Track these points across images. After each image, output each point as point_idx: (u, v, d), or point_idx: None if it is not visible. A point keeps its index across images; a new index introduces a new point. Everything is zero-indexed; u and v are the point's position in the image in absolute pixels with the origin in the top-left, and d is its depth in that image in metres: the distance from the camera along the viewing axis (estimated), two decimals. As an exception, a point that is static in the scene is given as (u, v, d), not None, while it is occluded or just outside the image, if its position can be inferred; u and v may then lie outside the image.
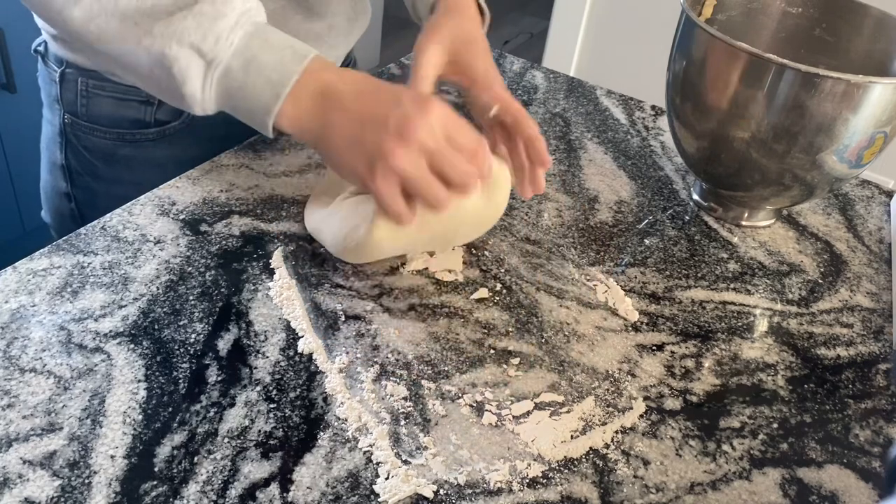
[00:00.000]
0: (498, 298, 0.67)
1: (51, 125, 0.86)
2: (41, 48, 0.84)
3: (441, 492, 0.51)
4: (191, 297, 0.63)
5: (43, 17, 0.62)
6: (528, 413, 0.57)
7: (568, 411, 0.58)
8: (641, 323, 0.67)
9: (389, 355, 0.60)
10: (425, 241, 0.68)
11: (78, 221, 0.87)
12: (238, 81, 0.59)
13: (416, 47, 0.69)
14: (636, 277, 0.72)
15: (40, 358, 0.56)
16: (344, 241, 0.66)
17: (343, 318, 0.63)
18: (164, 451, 0.51)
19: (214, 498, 0.49)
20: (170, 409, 0.54)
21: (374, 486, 0.51)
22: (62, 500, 0.48)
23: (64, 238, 0.67)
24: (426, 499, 0.51)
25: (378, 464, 0.52)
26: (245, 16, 0.59)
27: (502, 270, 0.70)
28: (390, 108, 0.57)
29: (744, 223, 0.81)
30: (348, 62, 0.97)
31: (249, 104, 0.59)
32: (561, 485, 0.53)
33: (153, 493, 0.49)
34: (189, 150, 0.80)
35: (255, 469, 0.51)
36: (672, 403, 0.60)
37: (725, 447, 0.57)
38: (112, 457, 0.51)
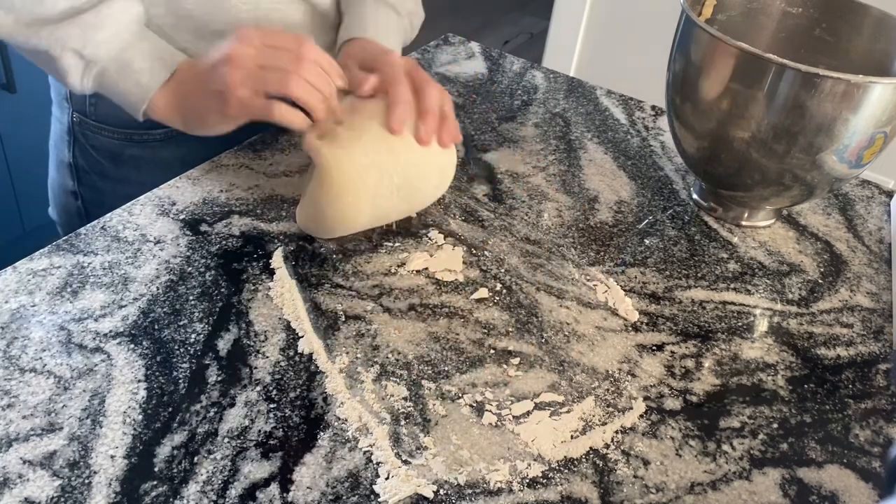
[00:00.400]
0: (498, 298, 0.67)
1: (59, 123, 0.86)
2: None
3: (441, 492, 0.51)
4: (191, 297, 0.63)
5: None
6: (528, 413, 0.57)
7: (568, 411, 0.58)
8: (641, 323, 0.67)
9: (389, 355, 0.60)
10: (381, 153, 0.67)
11: (84, 219, 0.87)
12: (113, 81, 0.68)
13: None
14: (636, 277, 0.72)
15: (40, 358, 0.56)
16: (312, 202, 0.67)
17: (343, 318, 0.63)
18: (164, 451, 0.51)
19: (214, 498, 0.49)
20: (170, 409, 0.54)
21: (374, 486, 0.51)
22: (62, 500, 0.48)
23: (64, 238, 0.67)
24: (426, 499, 0.51)
25: (378, 464, 0.52)
26: (124, 24, 0.68)
27: (502, 270, 0.70)
28: (220, 48, 0.67)
29: (744, 223, 0.81)
30: None
31: (122, 99, 0.70)
32: (561, 485, 0.53)
33: (153, 493, 0.49)
34: (196, 150, 0.80)
35: (255, 469, 0.51)
36: (672, 403, 0.60)
37: (725, 447, 0.57)
38: (112, 457, 0.51)
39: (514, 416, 0.57)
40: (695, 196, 0.84)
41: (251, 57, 0.65)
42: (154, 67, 0.68)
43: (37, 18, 0.65)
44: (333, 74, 0.67)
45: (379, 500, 0.50)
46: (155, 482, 0.50)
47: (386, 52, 0.73)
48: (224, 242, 0.69)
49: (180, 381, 0.56)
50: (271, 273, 0.66)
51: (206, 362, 0.58)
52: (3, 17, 0.65)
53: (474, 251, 0.72)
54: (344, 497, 0.50)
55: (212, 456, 0.52)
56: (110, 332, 0.59)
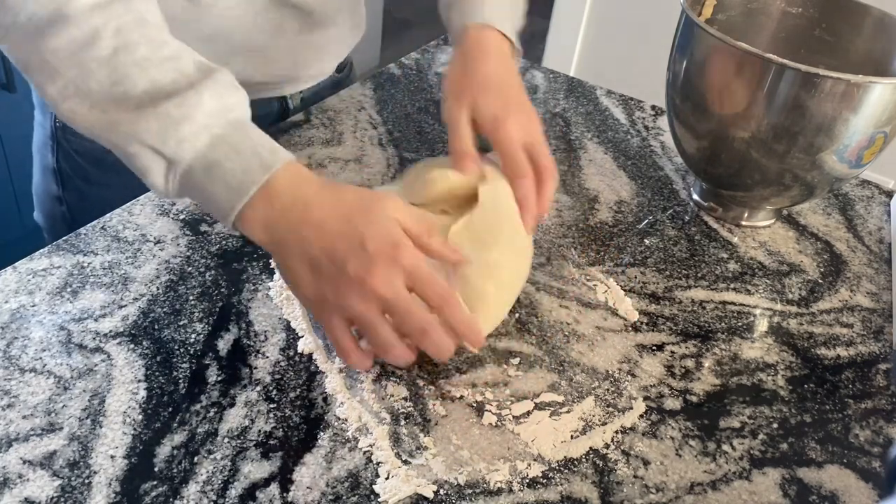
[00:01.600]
0: (498, 298, 0.67)
1: (42, 128, 0.85)
2: None
3: (441, 492, 0.51)
4: (191, 297, 0.63)
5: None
6: (528, 413, 0.57)
7: (568, 411, 0.58)
8: (641, 323, 0.67)
9: (389, 355, 0.60)
10: (515, 291, 0.64)
11: (70, 225, 0.87)
12: (199, 183, 0.56)
13: (447, 118, 0.67)
14: (636, 277, 0.72)
15: (40, 358, 0.56)
16: None
17: (343, 318, 0.63)
18: (164, 451, 0.51)
19: (214, 498, 0.49)
20: (170, 409, 0.54)
21: (374, 486, 0.51)
22: (62, 500, 0.48)
23: (64, 238, 0.67)
24: (426, 499, 0.51)
25: (378, 464, 0.52)
26: (215, 116, 0.56)
27: (502, 270, 0.70)
28: (355, 248, 0.54)
29: (744, 223, 0.81)
30: (345, 65, 0.97)
31: (209, 206, 0.57)
32: (561, 485, 0.53)
33: (153, 493, 0.49)
34: None
35: (255, 469, 0.51)
36: (672, 403, 0.60)
37: (725, 447, 0.57)
38: (112, 457, 0.51)
39: (514, 416, 0.57)
40: (695, 196, 0.84)
41: (379, 296, 0.53)
42: (250, 167, 0.55)
43: (112, 102, 0.55)
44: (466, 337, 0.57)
45: (379, 500, 0.50)
46: (155, 482, 0.50)
47: (499, 121, 0.65)
48: (224, 242, 0.69)
49: (180, 381, 0.56)
50: (271, 273, 0.66)
51: (206, 362, 0.58)
52: (78, 105, 0.56)
53: (474, 251, 0.72)
54: (344, 497, 0.50)
55: (212, 456, 0.52)
56: (110, 332, 0.59)
